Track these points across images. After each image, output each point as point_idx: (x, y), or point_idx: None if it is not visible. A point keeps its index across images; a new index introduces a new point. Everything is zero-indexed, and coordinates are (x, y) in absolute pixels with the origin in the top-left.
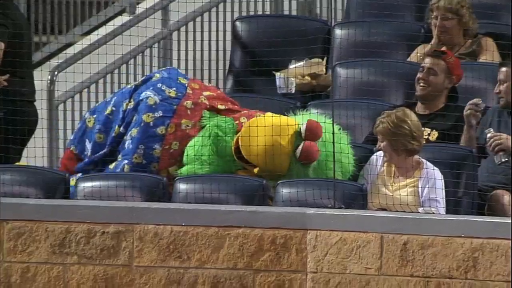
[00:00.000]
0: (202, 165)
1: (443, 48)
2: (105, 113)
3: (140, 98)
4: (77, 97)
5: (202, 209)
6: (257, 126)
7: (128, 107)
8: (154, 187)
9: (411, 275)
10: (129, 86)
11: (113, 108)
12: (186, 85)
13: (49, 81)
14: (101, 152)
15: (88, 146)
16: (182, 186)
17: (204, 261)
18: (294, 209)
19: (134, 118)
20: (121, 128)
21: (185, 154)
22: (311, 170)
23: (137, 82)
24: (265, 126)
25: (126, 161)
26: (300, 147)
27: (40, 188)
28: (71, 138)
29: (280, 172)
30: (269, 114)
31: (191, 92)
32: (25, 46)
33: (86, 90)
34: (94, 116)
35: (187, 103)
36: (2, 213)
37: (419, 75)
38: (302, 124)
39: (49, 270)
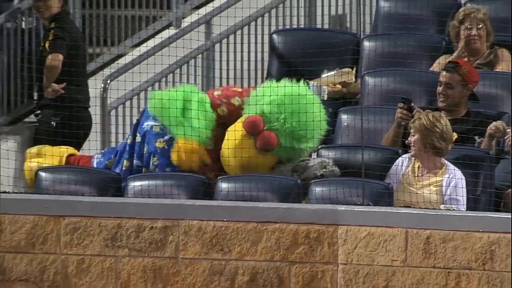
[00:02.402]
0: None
1: (465, 59)
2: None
3: (145, 129)
4: (128, 103)
5: (242, 206)
6: (228, 139)
7: (136, 140)
8: (198, 185)
9: (433, 267)
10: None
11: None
12: None
13: (102, 89)
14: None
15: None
16: (223, 185)
17: (244, 254)
18: (326, 206)
19: (145, 149)
20: (134, 160)
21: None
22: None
23: (137, 117)
24: (230, 150)
25: None
26: (258, 142)
27: (94, 186)
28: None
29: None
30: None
31: None
32: (80, 57)
33: (136, 97)
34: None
35: None
36: (60, 210)
37: (438, 89)
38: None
39: (102, 262)
